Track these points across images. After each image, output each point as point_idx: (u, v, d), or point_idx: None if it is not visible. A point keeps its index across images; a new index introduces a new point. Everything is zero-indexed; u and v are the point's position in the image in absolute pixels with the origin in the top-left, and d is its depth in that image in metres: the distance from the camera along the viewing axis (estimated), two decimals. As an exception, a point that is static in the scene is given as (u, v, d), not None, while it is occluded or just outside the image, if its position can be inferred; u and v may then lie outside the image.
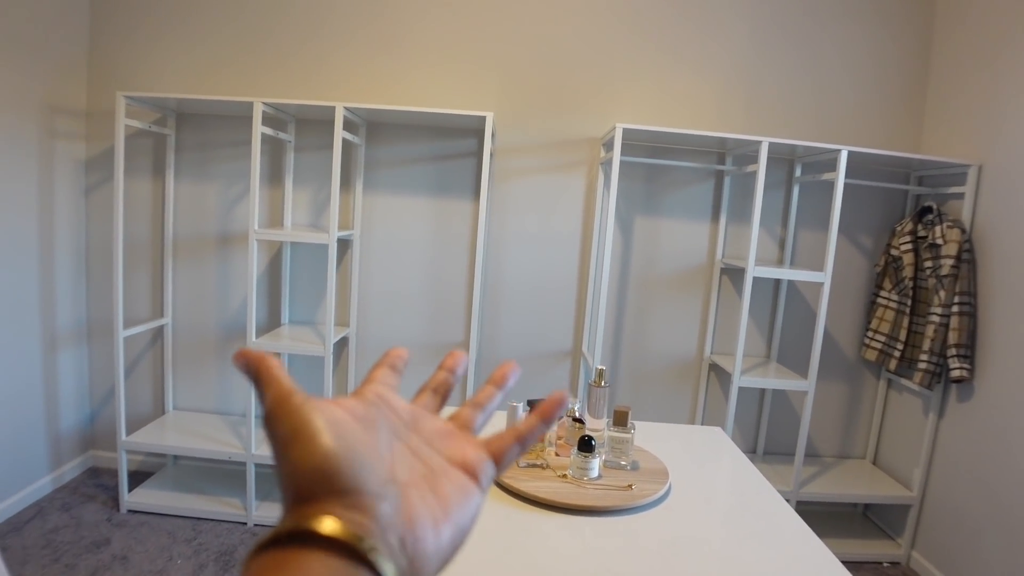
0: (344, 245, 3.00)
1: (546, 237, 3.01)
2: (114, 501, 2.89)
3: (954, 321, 2.57)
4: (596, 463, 1.26)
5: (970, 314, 2.58)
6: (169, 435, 2.83)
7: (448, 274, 3.02)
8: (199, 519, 2.81)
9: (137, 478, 3.11)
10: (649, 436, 1.66)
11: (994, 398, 2.47)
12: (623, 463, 1.33)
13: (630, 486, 1.26)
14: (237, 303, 3.04)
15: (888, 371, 3.06)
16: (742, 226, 3.01)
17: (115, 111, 2.53)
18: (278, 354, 3.03)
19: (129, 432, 2.90)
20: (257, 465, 2.76)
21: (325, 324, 2.62)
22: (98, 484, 3.04)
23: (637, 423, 1.70)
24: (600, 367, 1.39)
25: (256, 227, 2.53)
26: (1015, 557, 2.32)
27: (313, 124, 2.93)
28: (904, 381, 2.94)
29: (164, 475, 3.07)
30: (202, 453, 2.74)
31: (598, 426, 1.40)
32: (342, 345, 3.06)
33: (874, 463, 3.17)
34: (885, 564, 2.89)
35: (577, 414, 1.35)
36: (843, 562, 2.88)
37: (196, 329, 3.07)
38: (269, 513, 2.81)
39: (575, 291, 3.05)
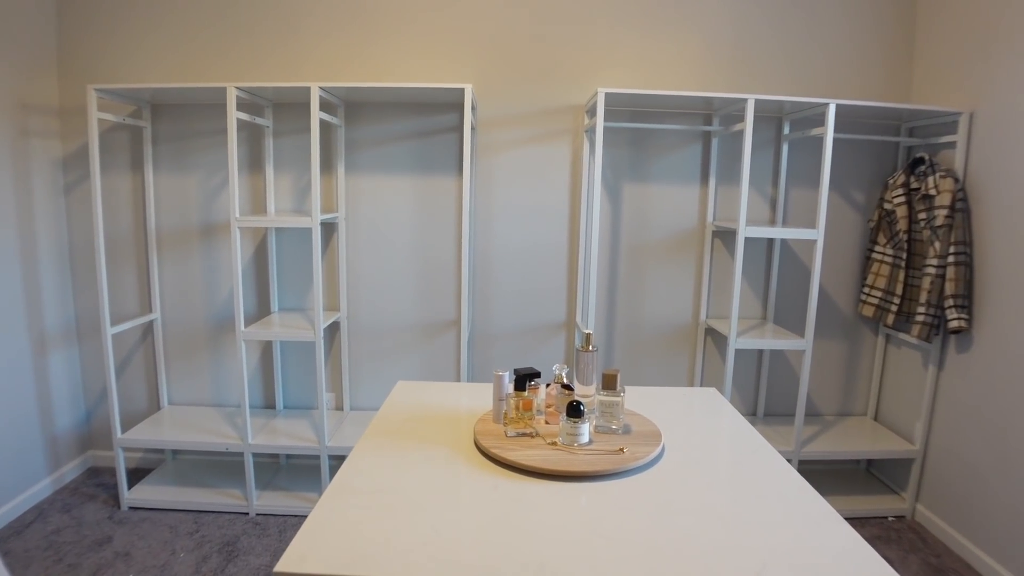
0: (329, 229, 2.96)
1: (534, 209, 2.96)
2: (114, 499, 2.88)
3: (950, 272, 2.54)
4: (586, 428, 1.23)
5: (966, 264, 2.54)
6: (165, 430, 2.81)
7: (437, 252, 2.98)
8: (200, 512, 2.80)
9: (137, 475, 3.10)
10: (641, 400, 1.64)
11: (993, 347, 2.45)
12: (614, 427, 1.30)
13: (621, 449, 1.23)
14: (225, 294, 3.01)
15: (886, 326, 3.03)
16: (732, 188, 2.97)
17: (87, 105, 2.47)
18: (269, 342, 3.01)
19: (125, 429, 2.88)
20: (255, 455, 2.76)
21: (315, 310, 2.58)
22: (98, 483, 3.02)
23: (631, 388, 1.68)
24: (587, 331, 1.36)
25: (237, 214, 2.49)
26: (1021, 503, 2.31)
27: (290, 108, 2.87)
28: (902, 335, 2.91)
29: (163, 470, 3.06)
30: (199, 446, 2.72)
31: (587, 392, 1.37)
32: (334, 330, 3.03)
33: (875, 419, 3.16)
34: (890, 518, 2.89)
35: (565, 380, 1.32)
36: (847, 519, 2.88)
37: (186, 322, 3.04)
38: (270, 502, 2.80)
39: (566, 262, 3.01)
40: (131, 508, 2.81)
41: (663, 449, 1.32)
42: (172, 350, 3.07)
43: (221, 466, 3.10)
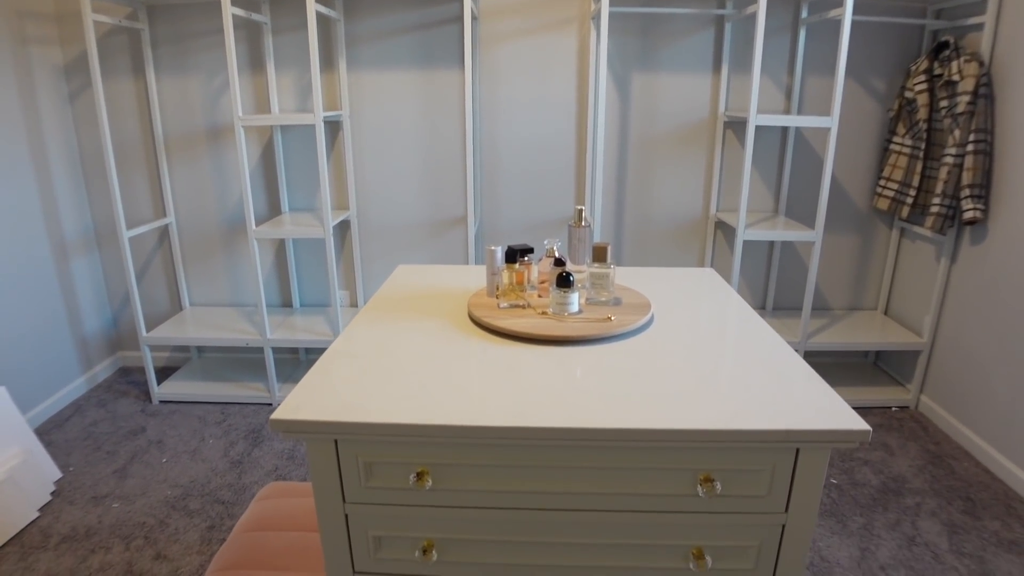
0: (334, 128, 2.94)
1: (540, 102, 2.90)
2: (145, 395, 3.04)
3: (968, 160, 2.47)
4: (575, 298, 1.26)
5: (985, 152, 2.47)
6: (188, 328, 2.93)
7: (443, 149, 2.96)
8: (226, 404, 2.96)
9: (165, 373, 3.26)
10: (635, 277, 1.66)
11: (1007, 238, 2.41)
12: (604, 299, 1.33)
13: (609, 318, 1.26)
14: (236, 196, 3.04)
15: (900, 219, 2.99)
16: (745, 76, 2.87)
17: (81, 7, 2.43)
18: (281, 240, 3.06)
19: (149, 329, 3.00)
20: (274, 350, 2.87)
21: (323, 208, 2.61)
22: (129, 381, 3.19)
23: (627, 270, 1.69)
24: (579, 207, 1.37)
25: (240, 113, 2.48)
26: (1021, 394, 2.33)
27: (288, 1, 2.80)
28: (916, 228, 2.87)
29: (190, 368, 3.20)
30: (221, 342, 2.83)
31: (580, 270, 1.39)
32: (344, 229, 3.07)
33: (885, 313, 3.16)
34: (893, 408, 2.95)
35: (557, 254, 1.34)
36: (851, 408, 2.95)
37: (200, 225, 3.10)
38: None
39: (574, 156, 2.97)
40: (161, 402, 2.97)
41: (652, 318, 1.35)
42: (189, 253, 3.14)
43: (244, 363, 3.24)
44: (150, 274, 3.19)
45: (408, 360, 1.16)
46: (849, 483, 2.41)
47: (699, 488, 1.00)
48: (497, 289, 1.32)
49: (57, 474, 2.39)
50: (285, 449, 2.60)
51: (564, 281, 1.24)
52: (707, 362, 1.16)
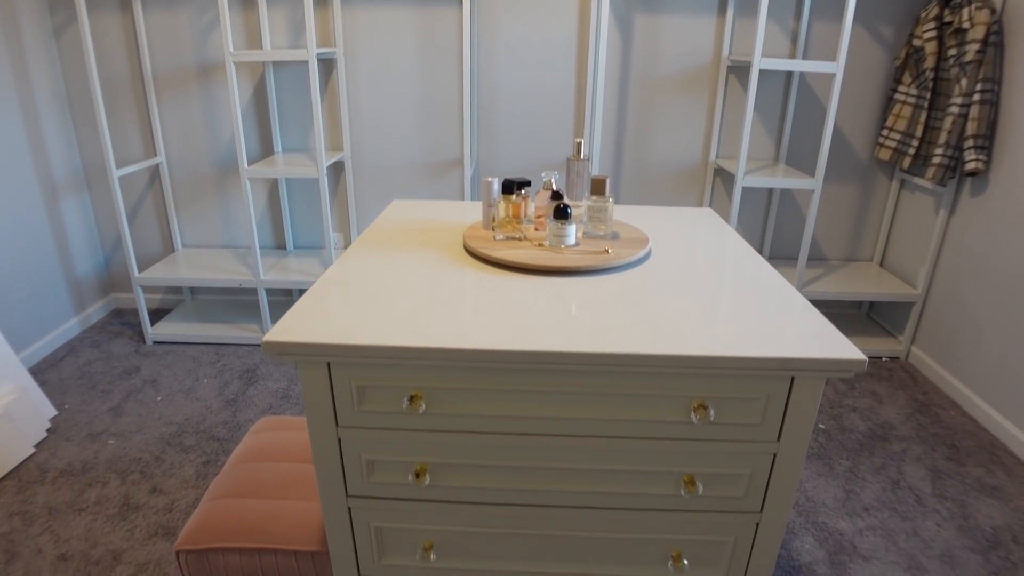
0: (328, 65, 2.86)
1: (540, 41, 2.83)
2: (139, 335, 3.03)
3: (974, 111, 2.43)
4: (572, 230, 1.24)
5: (992, 102, 2.43)
6: (180, 269, 2.91)
7: (440, 88, 2.89)
8: (220, 344, 2.96)
9: (158, 315, 3.25)
10: (633, 214, 1.65)
11: (1007, 192, 2.39)
12: (601, 233, 1.31)
13: (607, 250, 1.25)
14: (228, 135, 2.98)
15: (902, 170, 2.96)
16: (751, 20, 2.79)
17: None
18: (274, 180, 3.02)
19: (141, 270, 2.97)
20: (268, 291, 2.85)
21: (316, 147, 2.56)
22: (123, 322, 3.18)
23: (624, 208, 1.67)
24: (578, 139, 1.34)
25: (231, 49, 2.41)
26: (1013, 348, 2.35)
27: (280, -69, 2.69)
28: (917, 180, 2.84)
29: (183, 309, 3.19)
30: (214, 283, 2.81)
31: (578, 205, 1.37)
32: (338, 170, 3.02)
33: (881, 265, 3.16)
34: (884, 359, 2.97)
35: (555, 187, 1.32)
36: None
37: (191, 165, 3.04)
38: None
39: (573, 97, 2.91)
40: (155, 343, 2.96)
41: (650, 252, 1.34)
42: (181, 194, 3.10)
43: (238, 304, 3.23)
44: (141, 215, 3.15)
45: (402, 288, 1.14)
46: (837, 429, 2.44)
47: (692, 415, 1.00)
48: (493, 221, 1.30)
49: (52, 412, 2.40)
50: (279, 388, 2.62)
51: (561, 213, 1.22)
52: (704, 294, 1.15)
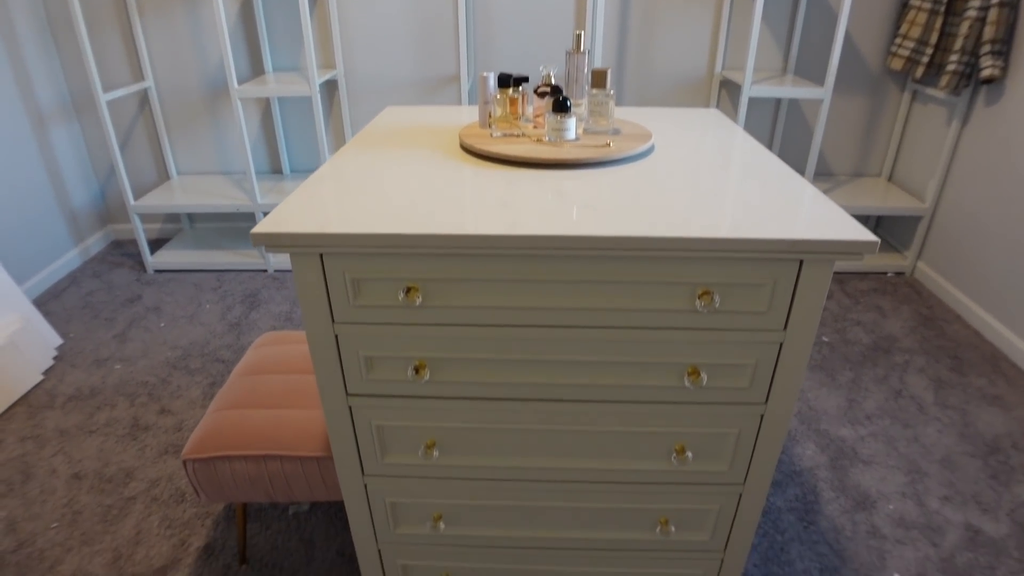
0: (317, -20, 2.74)
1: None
2: (140, 265, 3.02)
3: (992, 14, 2.32)
4: (572, 123, 1.19)
5: (1012, 3, 2.31)
6: (177, 195, 2.86)
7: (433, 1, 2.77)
8: (221, 271, 2.94)
9: (158, 244, 3.23)
10: (636, 114, 1.59)
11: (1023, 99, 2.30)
12: (602, 127, 1.26)
13: (608, 144, 1.20)
14: (216, 56, 2.88)
15: (914, 80, 2.85)
16: (760, -82, 2.64)
17: None
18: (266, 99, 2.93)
19: (137, 199, 2.93)
20: (265, 215, 2.79)
21: (308, 64, 2.47)
22: (123, 253, 3.16)
23: (626, 108, 1.61)
24: (578, 32, 1.27)
25: (213, -44, 2.29)
26: (1020, 259, 2.31)
27: None
28: (930, 91, 2.74)
29: (182, 238, 3.17)
30: (211, 208, 2.77)
31: (578, 103, 1.31)
32: (332, 89, 2.93)
33: (890, 180, 3.09)
34: (889, 274, 2.95)
35: (554, 81, 1.26)
36: (847, 272, 2.94)
37: (181, 88, 2.95)
38: (287, 259, 2.91)
39: (573, 7, 2.78)
40: (156, 271, 2.95)
41: (653, 147, 1.29)
42: (172, 119, 3.02)
43: (236, 231, 3.20)
44: (133, 143, 3.08)
45: (397, 182, 1.11)
46: (841, 341, 2.44)
47: (697, 302, 0.97)
48: (490, 118, 1.25)
49: (58, 340, 2.41)
50: (282, 312, 2.61)
51: (561, 106, 1.17)
52: (711, 183, 1.11)
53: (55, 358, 2.35)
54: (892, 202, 2.82)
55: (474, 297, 0.99)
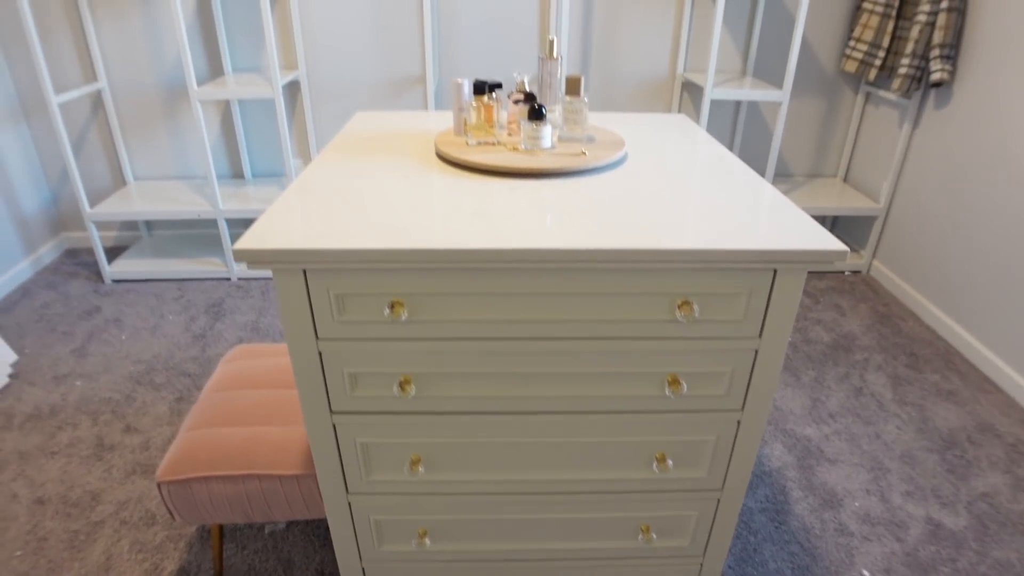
0: (278, -19, 2.69)
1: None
2: (96, 275, 2.92)
3: (941, 19, 2.41)
4: (547, 131, 1.20)
5: (959, 10, 2.40)
6: (134, 203, 2.78)
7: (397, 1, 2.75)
8: (183, 280, 2.87)
9: (115, 253, 3.13)
10: (607, 120, 1.61)
11: (971, 103, 2.39)
12: (577, 135, 1.28)
13: (583, 152, 1.22)
14: (173, 55, 2.80)
15: (867, 83, 2.95)
16: (720, -75, 2.69)
17: None
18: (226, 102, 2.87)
19: (92, 206, 2.83)
20: (229, 222, 2.75)
21: (270, 64, 2.42)
22: (77, 262, 3.05)
23: (597, 114, 1.63)
24: (551, 37, 1.28)
25: (170, -42, 2.23)
26: (971, 258, 2.41)
27: None
28: (882, 93, 2.84)
29: (140, 246, 3.07)
30: (171, 215, 2.70)
31: (552, 110, 1.32)
32: (294, 91, 2.88)
33: (845, 181, 3.19)
34: (847, 273, 3.04)
35: (527, 88, 1.27)
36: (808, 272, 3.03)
37: (136, 90, 2.86)
38: (250, 270, 2.85)
39: (537, 9, 2.80)
40: (114, 281, 2.86)
41: (626, 155, 1.31)
42: (128, 122, 2.93)
43: (198, 238, 3.12)
44: (87, 147, 2.98)
45: (376, 195, 1.10)
46: (803, 341, 2.51)
47: (677, 312, 0.99)
48: (465, 126, 1.25)
49: (12, 356, 2.31)
50: (248, 321, 2.56)
51: (536, 114, 1.18)
52: (684, 192, 1.13)
53: (10, 375, 2.25)
54: (847, 202, 2.91)
55: (458, 311, 0.99)
